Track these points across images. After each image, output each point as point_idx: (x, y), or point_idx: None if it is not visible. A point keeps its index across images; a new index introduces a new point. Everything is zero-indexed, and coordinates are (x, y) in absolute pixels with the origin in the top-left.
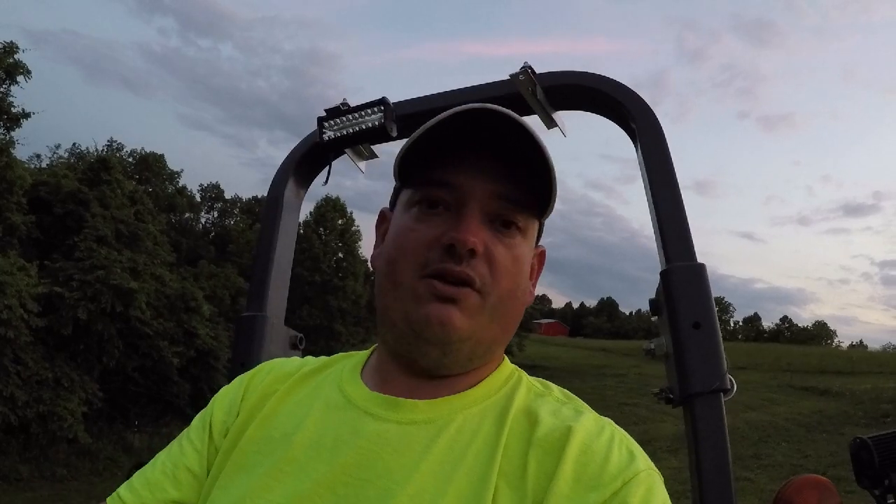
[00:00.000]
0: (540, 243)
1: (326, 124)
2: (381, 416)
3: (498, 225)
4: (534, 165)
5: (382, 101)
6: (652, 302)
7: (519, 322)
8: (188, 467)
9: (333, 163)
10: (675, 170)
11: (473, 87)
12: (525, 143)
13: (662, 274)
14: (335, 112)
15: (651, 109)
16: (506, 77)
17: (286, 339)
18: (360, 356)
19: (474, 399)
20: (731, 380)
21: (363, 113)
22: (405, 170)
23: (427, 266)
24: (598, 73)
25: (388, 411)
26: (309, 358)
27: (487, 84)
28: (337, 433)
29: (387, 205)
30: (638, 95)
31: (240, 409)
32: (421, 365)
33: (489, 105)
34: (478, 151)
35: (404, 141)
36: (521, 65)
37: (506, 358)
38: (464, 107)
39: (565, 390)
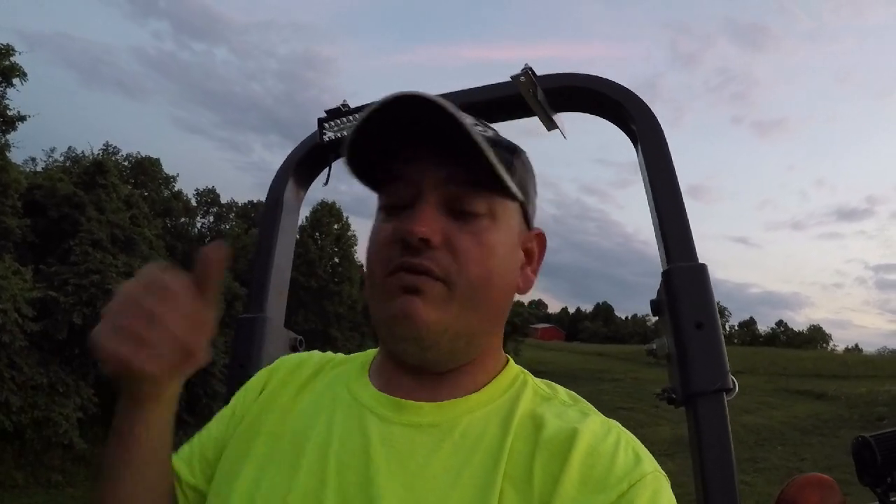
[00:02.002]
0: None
1: (327, 125)
2: (387, 418)
3: (457, 213)
4: (465, 148)
5: None
6: (653, 303)
7: (505, 311)
8: (206, 456)
9: (332, 167)
10: (676, 171)
11: (474, 88)
12: (448, 125)
13: (664, 274)
14: (335, 113)
15: (651, 111)
16: (506, 79)
17: (286, 341)
18: (368, 355)
19: (479, 402)
20: (733, 380)
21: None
22: (362, 175)
23: (390, 264)
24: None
25: (393, 412)
26: (329, 354)
27: (488, 86)
28: (344, 433)
29: None
30: (638, 97)
31: (258, 398)
32: (409, 363)
33: (407, 92)
34: (421, 141)
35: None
36: (522, 67)
37: (511, 360)
38: (380, 101)
39: (571, 392)
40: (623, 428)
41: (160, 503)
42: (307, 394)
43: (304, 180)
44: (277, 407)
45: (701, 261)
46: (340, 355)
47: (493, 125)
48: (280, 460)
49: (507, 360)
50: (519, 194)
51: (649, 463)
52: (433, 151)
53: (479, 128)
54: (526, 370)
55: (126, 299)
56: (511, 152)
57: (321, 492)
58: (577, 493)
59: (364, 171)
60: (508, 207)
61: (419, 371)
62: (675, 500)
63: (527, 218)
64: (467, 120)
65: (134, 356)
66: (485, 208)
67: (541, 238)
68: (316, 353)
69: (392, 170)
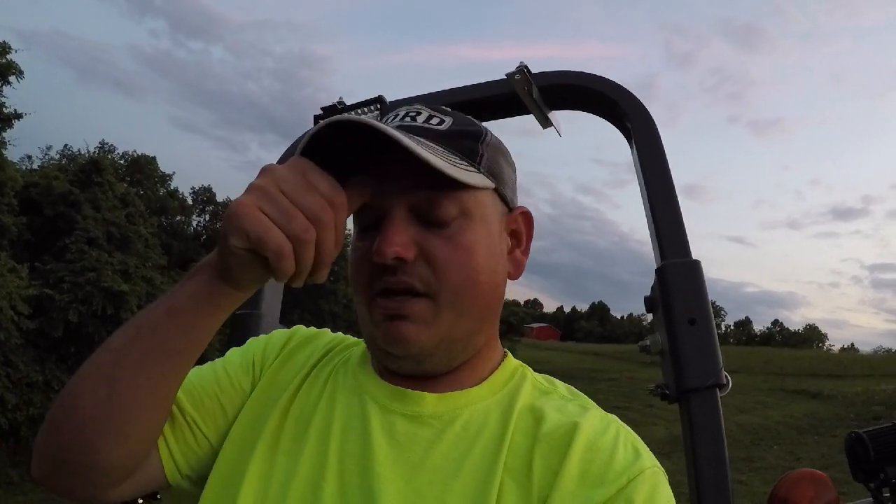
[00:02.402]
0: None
1: None
2: (389, 407)
3: (428, 218)
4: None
5: (379, 100)
6: (647, 299)
7: (497, 304)
8: (218, 396)
9: None
10: (670, 169)
11: (470, 86)
12: (384, 142)
13: (658, 271)
14: (331, 111)
15: (646, 109)
16: (501, 77)
17: None
18: None
19: (480, 395)
20: (726, 376)
21: (359, 111)
22: None
23: (370, 287)
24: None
25: (395, 402)
26: (340, 335)
27: (484, 83)
28: (346, 420)
29: None
30: (633, 95)
31: (275, 361)
32: (407, 372)
33: (330, 120)
34: (374, 154)
35: None
36: (517, 65)
37: (509, 354)
38: (310, 132)
39: (570, 387)
40: (622, 423)
41: (154, 412)
42: (316, 374)
43: None
44: (289, 382)
45: (695, 258)
46: (351, 338)
47: (488, 123)
48: (286, 443)
49: (506, 354)
50: (488, 181)
51: (648, 458)
52: (391, 161)
53: (435, 120)
54: (525, 364)
55: (289, 188)
56: (474, 138)
57: (321, 478)
58: (575, 488)
59: None
60: (481, 198)
61: (420, 376)
62: (672, 496)
63: (505, 200)
64: (421, 121)
65: (282, 248)
66: (455, 209)
67: (526, 216)
68: (327, 331)
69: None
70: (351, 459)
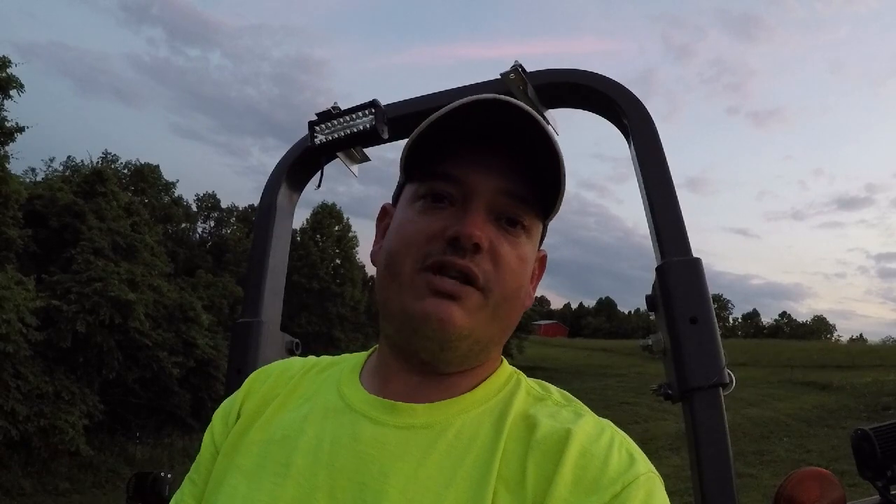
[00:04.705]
0: (542, 247)
1: (318, 128)
2: (380, 421)
3: (503, 223)
4: (543, 162)
5: (373, 104)
6: (649, 298)
7: (517, 324)
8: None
9: (328, 169)
10: (669, 165)
11: (463, 87)
12: (535, 138)
13: (658, 269)
14: (326, 116)
15: (643, 105)
16: (496, 77)
17: (282, 344)
18: (359, 357)
19: (473, 402)
20: (729, 374)
21: (354, 116)
22: (411, 163)
23: (428, 258)
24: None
25: (386, 415)
26: (311, 357)
27: (477, 84)
28: (335, 437)
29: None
30: (629, 91)
31: (240, 413)
32: (420, 358)
33: (500, 96)
34: (487, 145)
35: (402, 140)
36: (512, 64)
37: (504, 360)
38: (473, 97)
39: (565, 392)
40: (617, 428)
41: None
42: (293, 401)
43: (297, 184)
44: (261, 420)
45: (697, 254)
46: (326, 358)
47: None
48: (267, 468)
49: (501, 361)
50: (556, 211)
51: (643, 464)
52: (496, 159)
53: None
54: (519, 370)
55: None
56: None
57: (311, 497)
58: (569, 495)
59: (414, 161)
60: (537, 225)
61: (423, 371)
62: (668, 501)
63: (542, 235)
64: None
65: None
66: (526, 221)
67: (543, 260)
68: (296, 359)
69: (445, 167)
70: (342, 475)
